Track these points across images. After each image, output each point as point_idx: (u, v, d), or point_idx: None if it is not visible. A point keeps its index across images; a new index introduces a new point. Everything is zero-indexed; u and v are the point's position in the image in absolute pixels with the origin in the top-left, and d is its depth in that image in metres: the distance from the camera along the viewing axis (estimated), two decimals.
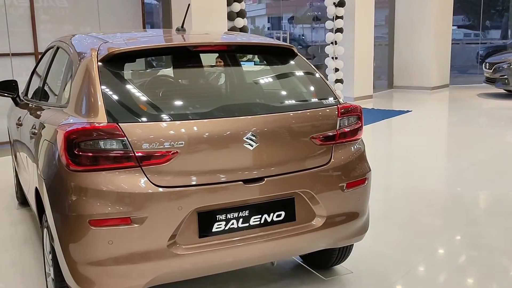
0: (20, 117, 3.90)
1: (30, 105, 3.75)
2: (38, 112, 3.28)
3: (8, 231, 4.33)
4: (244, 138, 2.51)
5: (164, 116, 2.48)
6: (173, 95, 2.83)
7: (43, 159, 2.66)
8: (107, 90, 2.48)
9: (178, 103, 2.73)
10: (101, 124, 2.35)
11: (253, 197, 2.55)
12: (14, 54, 7.46)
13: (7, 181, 5.46)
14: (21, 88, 4.34)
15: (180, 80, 3.12)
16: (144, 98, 2.62)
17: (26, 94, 4.28)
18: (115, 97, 2.49)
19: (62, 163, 2.37)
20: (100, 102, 2.42)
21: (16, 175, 4.63)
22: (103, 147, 2.34)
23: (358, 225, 2.93)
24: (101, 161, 2.33)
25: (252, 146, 2.52)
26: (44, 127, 2.84)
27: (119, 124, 2.36)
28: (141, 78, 3.04)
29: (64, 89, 2.91)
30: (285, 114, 2.70)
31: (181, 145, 2.40)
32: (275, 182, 2.59)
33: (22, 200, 4.77)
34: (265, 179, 2.56)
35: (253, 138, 2.52)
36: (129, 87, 2.66)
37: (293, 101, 2.93)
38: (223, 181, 2.48)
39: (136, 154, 2.35)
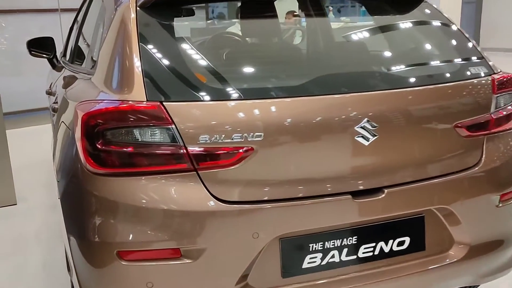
0: (51, 84, 3.15)
1: (63, 68, 3.00)
2: (65, 80, 2.50)
3: (44, 219, 3.67)
4: (357, 128, 1.61)
5: (232, 93, 1.61)
6: (244, 61, 1.93)
7: (59, 152, 1.87)
8: (149, 52, 1.64)
9: (252, 72, 1.84)
10: (138, 104, 1.52)
11: (366, 217, 1.67)
12: (63, 10, 6.79)
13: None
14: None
15: (253, 39, 2.23)
16: (201, 64, 1.76)
17: (65, 55, 3.53)
18: (160, 63, 1.64)
19: (80, 162, 1.56)
20: (138, 70, 1.59)
21: None
22: (139, 139, 1.51)
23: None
24: (136, 161, 1.51)
25: (367, 140, 1.62)
26: (65, 102, 2.05)
27: (164, 103, 1.52)
28: (197, 35, 2.17)
29: (94, 50, 2.10)
30: (416, 90, 1.76)
31: (259, 138, 1.53)
32: (399, 195, 1.70)
33: None
34: (385, 190, 1.67)
35: (370, 128, 1.62)
36: (182, 48, 1.80)
37: (426, 71, 1.97)
38: (322, 195, 1.61)
39: (190, 151, 1.51)
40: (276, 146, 1.56)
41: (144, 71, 1.57)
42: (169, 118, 1.50)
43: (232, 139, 1.52)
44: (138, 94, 1.54)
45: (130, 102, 1.53)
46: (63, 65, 3.10)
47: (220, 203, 1.53)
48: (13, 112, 6.13)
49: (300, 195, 1.59)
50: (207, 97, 1.56)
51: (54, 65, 3.53)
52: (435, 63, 2.01)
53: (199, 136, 1.51)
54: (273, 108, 1.57)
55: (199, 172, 1.53)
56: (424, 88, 1.76)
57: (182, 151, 1.51)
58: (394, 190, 1.68)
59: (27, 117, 6.54)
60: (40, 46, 3.44)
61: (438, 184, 1.74)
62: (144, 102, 1.52)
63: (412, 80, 1.83)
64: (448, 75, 1.89)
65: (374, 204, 1.65)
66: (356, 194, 1.64)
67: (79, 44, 2.85)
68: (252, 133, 1.53)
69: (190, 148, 1.51)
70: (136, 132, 1.51)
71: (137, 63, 1.60)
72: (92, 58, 2.07)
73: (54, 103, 2.39)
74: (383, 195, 1.66)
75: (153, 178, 1.52)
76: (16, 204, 3.87)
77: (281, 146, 1.56)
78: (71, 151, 1.64)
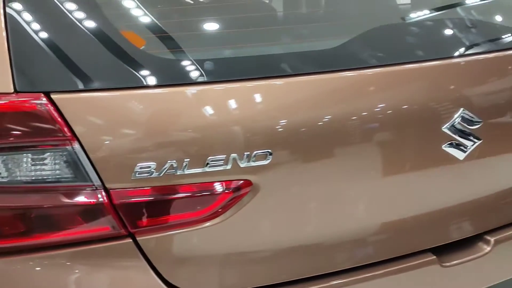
0: None
1: None
2: None
3: None
4: (445, 129, 0.82)
5: (200, 70, 0.77)
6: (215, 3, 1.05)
7: None
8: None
9: (236, 27, 0.95)
10: None
11: None
12: None
13: None
14: None
15: None
16: (129, 13, 0.89)
17: None
18: (40, 14, 0.77)
19: None
20: None
21: None
22: (2, 178, 0.68)
23: None
24: None
25: (465, 149, 0.84)
26: None
27: (53, 96, 0.68)
28: None
29: None
30: None
31: (263, 162, 0.73)
32: None
33: None
34: (490, 239, 0.91)
35: (468, 126, 0.84)
36: None
37: None
38: (382, 260, 0.85)
39: (116, 198, 0.71)
40: (298, 174, 0.76)
41: (10, 32, 0.73)
42: (64, 127, 0.68)
43: (205, 167, 0.71)
44: None
45: None
46: None
47: None
48: None
49: (347, 265, 0.82)
50: (149, 80, 0.74)
51: None
52: None
53: (135, 163, 0.69)
54: (287, 96, 0.77)
55: (138, 238, 0.72)
56: None
57: (99, 197, 0.70)
58: (505, 238, 0.93)
59: None
60: None
61: None
62: (11, 95, 0.69)
63: None
64: None
65: (474, 268, 0.90)
66: (440, 251, 0.88)
67: None
68: (247, 152, 0.72)
69: (115, 191, 0.70)
70: None
71: None
72: None
73: None
74: (489, 250, 0.90)
75: (38, 259, 0.71)
76: None
77: (306, 173, 0.77)
78: None
